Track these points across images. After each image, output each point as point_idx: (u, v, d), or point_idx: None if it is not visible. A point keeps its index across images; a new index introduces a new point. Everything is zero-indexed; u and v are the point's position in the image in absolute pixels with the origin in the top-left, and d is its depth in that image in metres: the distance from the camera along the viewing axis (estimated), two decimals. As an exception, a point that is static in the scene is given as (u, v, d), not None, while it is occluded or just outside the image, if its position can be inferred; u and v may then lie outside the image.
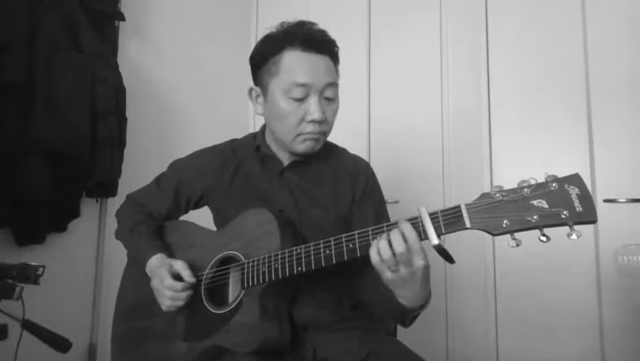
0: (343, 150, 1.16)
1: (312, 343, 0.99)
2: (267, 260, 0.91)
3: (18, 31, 1.43)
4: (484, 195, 0.73)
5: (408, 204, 2.10)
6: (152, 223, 1.13)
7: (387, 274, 0.80)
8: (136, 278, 1.10)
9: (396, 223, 0.79)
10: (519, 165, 1.93)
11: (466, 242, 1.84)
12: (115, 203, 1.83)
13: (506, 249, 1.89)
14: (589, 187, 0.71)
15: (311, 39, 0.98)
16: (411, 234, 0.76)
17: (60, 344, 1.00)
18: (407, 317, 0.89)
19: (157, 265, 1.01)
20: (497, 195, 0.72)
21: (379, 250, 0.78)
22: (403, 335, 1.15)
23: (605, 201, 1.75)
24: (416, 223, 0.77)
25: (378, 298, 0.91)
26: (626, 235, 1.69)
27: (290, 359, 0.96)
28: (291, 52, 0.98)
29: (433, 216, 0.76)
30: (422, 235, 0.76)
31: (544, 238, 0.70)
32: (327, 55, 1.00)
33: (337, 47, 1.03)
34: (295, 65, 0.97)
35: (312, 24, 1.02)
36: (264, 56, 1.02)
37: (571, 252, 1.77)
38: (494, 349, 1.90)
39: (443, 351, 2.00)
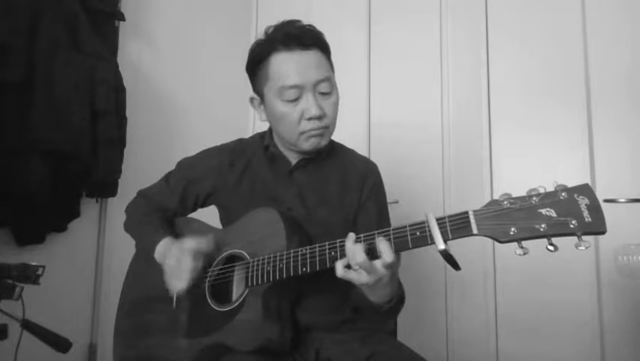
0: (352, 151, 1.16)
1: (314, 343, 0.99)
2: (272, 259, 0.91)
3: (18, 30, 1.43)
4: (492, 202, 0.72)
5: (408, 203, 2.10)
6: (163, 215, 1.13)
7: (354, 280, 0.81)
8: (141, 272, 1.10)
9: (372, 235, 0.80)
10: (519, 165, 1.93)
11: (466, 242, 1.83)
12: (115, 203, 1.83)
13: (506, 249, 1.89)
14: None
15: (291, 36, 0.97)
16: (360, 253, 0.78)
17: (60, 344, 1.00)
18: (380, 310, 0.90)
19: (166, 246, 1.00)
20: (505, 202, 0.70)
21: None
22: (404, 336, 1.15)
23: (605, 201, 1.74)
24: (422, 228, 0.76)
25: (358, 298, 0.92)
26: (626, 235, 1.68)
27: (292, 359, 0.96)
28: (276, 55, 0.97)
29: (440, 222, 0.74)
30: (429, 240, 0.75)
31: (551, 248, 0.69)
32: (314, 48, 0.98)
33: (323, 36, 1.01)
34: (282, 68, 0.97)
35: (293, 22, 1.00)
36: (254, 65, 1.02)
37: (571, 252, 1.77)
38: (494, 349, 1.90)
39: (443, 352, 2.00)
